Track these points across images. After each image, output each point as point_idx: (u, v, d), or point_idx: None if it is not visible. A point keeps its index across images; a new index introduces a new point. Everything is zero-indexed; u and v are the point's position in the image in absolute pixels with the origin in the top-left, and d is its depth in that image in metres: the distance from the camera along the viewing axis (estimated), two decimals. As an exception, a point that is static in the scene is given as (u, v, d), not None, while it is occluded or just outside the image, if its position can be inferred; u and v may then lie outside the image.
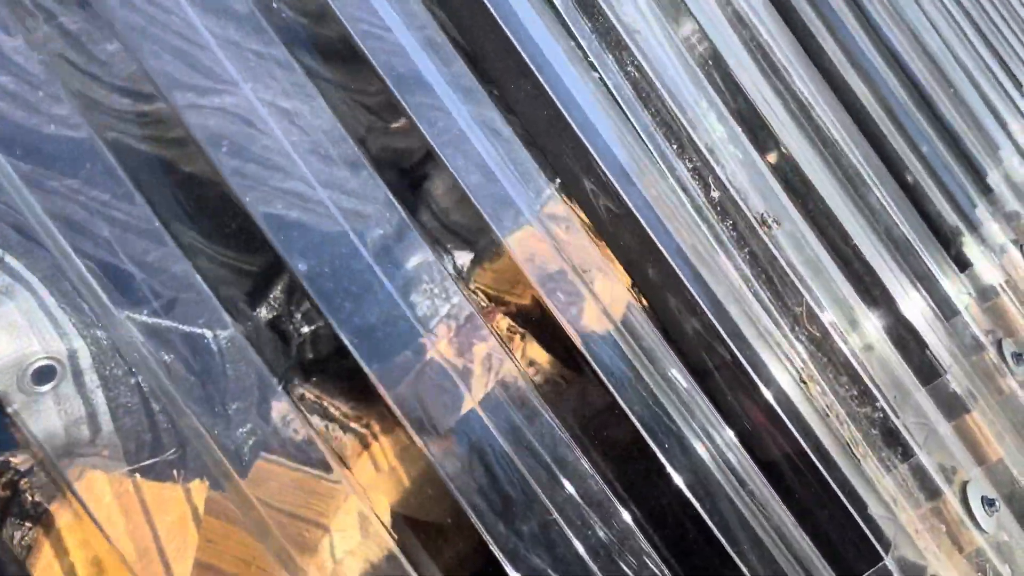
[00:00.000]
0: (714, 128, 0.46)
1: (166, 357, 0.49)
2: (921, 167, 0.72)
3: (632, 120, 0.45)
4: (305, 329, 0.59)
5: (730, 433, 0.45)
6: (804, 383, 0.45)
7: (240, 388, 0.50)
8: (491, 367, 0.58)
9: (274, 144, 0.45)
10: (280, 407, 0.51)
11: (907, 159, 0.66)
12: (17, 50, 0.41)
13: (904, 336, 0.52)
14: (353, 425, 0.59)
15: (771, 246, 0.46)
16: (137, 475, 0.46)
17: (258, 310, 0.59)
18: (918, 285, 0.55)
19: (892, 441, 0.46)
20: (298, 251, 0.51)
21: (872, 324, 0.51)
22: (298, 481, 0.52)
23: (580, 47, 0.45)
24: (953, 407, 0.52)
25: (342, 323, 0.52)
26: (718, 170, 0.45)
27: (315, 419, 0.57)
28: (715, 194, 0.45)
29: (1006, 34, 1.13)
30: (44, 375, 0.44)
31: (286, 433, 0.50)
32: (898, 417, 0.46)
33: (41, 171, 0.41)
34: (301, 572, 0.39)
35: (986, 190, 0.76)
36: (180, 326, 0.49)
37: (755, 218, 0.45)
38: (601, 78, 0.45)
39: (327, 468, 0.51)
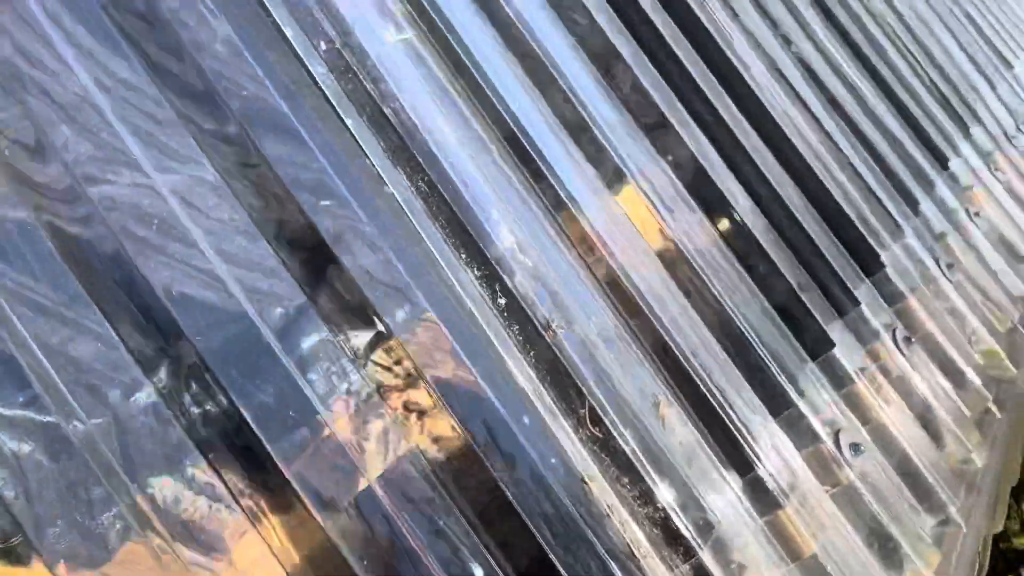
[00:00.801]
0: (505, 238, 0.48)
1: (24, 447, 0.53)
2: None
3: (421, 231, 0.48)
4: (196, 409, 0.62)
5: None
6: (584, 483, 0.47)
7: (105, 473, 0.54)
8: (388, 444, 0.60)
9: (174, 220, 0.49)
10: (161, 487, 0.54)
11: (736, 319, 0.67)
12: None
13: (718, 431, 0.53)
14: (245, 502, 0.61)
15: (555, 349, 0.48)
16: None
17: (138, 394, 0.62)
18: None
19: (674, 542, 0.47)
20: (196, 328, 0.55)
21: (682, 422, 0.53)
22: (168, 563, 0.55)
23: (372, 164, 0.48)
24: (764, 503, 0.53)
25: (239, 400, 0.55)
26: (506, 279, 0.48)
27: (201, 499, 0.59)
28: (502, 301, 0.48)
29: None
30: None
31: (164, 515, 0.53)
32: (680, 517, 0.47)
33: None
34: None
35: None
36: (36, 416, 0.53)
37: (540, 323, 0.48)
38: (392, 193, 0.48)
39: (207, 549, 0.54)
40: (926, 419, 0.72)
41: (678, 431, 0.53)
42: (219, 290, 0.51)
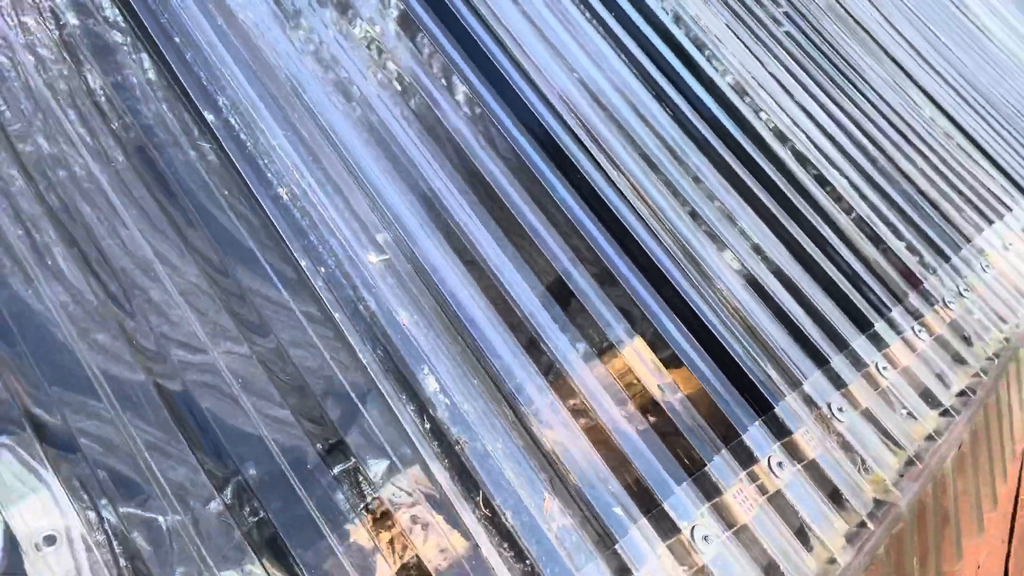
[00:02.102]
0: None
1: (135, 534, 0.80)
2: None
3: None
4: (252, 518, 0.88)
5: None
6: (477, 547, 0.70)
7: (184, 559, 0.79)
8: (395, 551, 0.84)
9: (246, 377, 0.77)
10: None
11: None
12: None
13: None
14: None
15: (464, 459, 0.73)
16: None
17: (212, 503, 0.89)
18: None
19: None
20: (250, 459, 0.82)
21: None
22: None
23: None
24: None
25: (279, 516, 0.81)
26: (430, 411, 0.74)
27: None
28: (427, 425, 0.74)
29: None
30: (48, 540, 0.75)
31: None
32: None
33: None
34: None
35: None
36: (143, 512, 0.81)
37: (453, 440, 0.73)
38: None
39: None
40: (795, 527, 0.92)
41: (557, 519, 0.76)
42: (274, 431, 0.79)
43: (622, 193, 1.14)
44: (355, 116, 0.98)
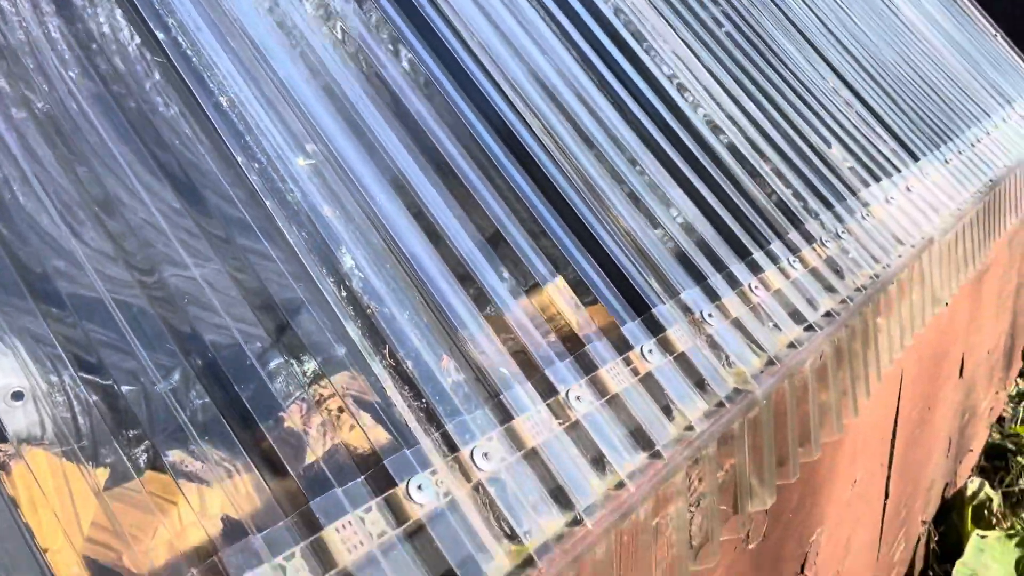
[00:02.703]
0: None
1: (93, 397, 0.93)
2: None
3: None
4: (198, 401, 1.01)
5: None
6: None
7: (135, 425, 0.93)
8: (324, 435, 0.97)
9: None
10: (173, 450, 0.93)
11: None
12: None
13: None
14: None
15: (374, 319, 0.88)
16: (62, 457, 0.88)
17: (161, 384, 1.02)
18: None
19: (432, 422, 0.85)
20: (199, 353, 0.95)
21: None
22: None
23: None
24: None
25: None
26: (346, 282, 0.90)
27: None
28: (344, 293, 0.89)
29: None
30: (16, 395, 0.88)
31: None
32: (445, 420, 0.86)
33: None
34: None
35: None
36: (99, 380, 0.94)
37: (364, 306, 0.89)
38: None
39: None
40: (662, 404, 1.10)
41: (452, 375, 0.92)
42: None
43: (537, 138, 1.30)
44: (295, 51, 1.12)
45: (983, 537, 2.52)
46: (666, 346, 1.17)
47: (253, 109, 0.95)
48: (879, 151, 2.19)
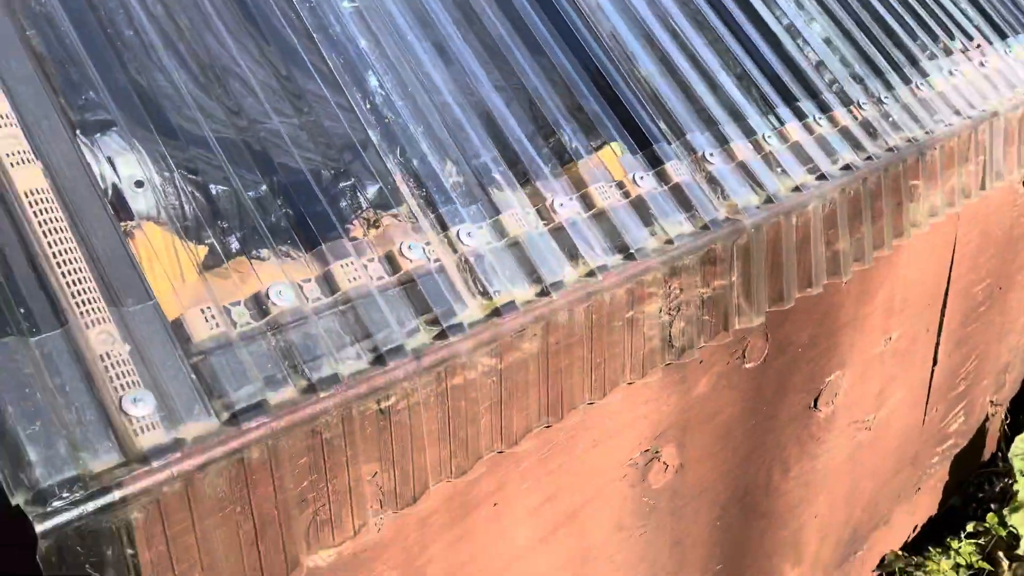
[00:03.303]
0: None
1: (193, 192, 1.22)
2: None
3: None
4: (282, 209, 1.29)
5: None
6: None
7: (230, 217, 1.21)
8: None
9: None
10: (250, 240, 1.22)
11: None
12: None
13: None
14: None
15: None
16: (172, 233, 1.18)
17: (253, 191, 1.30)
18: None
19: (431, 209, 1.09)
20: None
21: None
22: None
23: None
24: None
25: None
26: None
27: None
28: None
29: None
30: (139, 183, 1.18)
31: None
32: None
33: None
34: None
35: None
36: (198, 179, 1.23)
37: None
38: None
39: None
40: (647, 221, 1.28)
41: (453, 176, 1.15)
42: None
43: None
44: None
45: (1051, 419, 2.55)
46: (662, 176, 1.35)
47: (307, -39, 1.19)
48: (957, 24, 2.18)
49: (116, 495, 0.75)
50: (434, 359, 0.99)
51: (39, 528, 0.71)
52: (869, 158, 1.64)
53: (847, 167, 1.60)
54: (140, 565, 0.79)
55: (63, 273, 0.83)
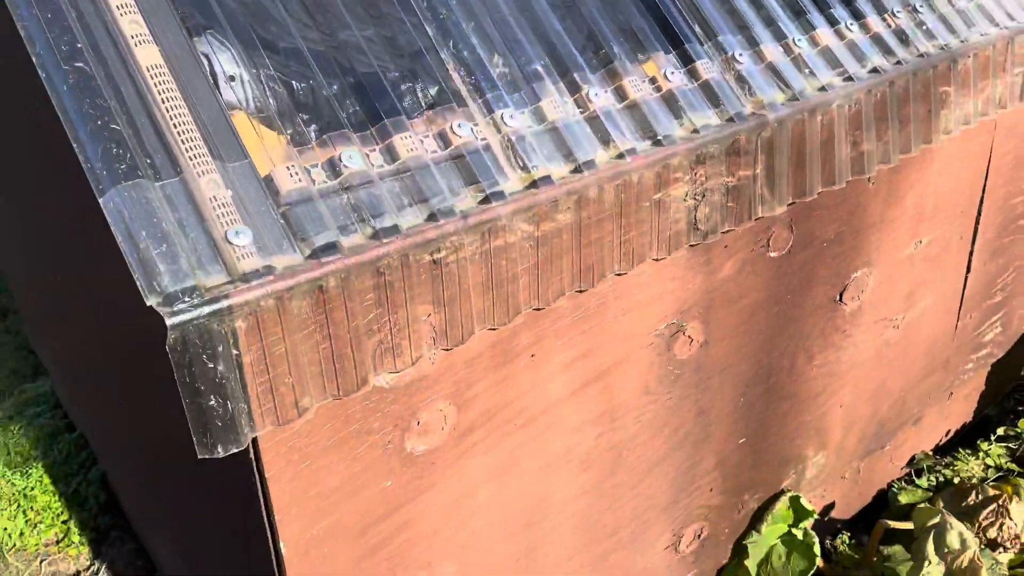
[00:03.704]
0: None
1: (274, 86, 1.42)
2: None
3: None
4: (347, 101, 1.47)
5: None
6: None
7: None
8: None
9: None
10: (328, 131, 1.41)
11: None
12: None
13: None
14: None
15: (446, 27, 1.29)
16: (259, 121, 1.38)
17: None
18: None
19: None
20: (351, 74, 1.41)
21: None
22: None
23: None
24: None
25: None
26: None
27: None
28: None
29: None
30: (231, 77, 1.38)
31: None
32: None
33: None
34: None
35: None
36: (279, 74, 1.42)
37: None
38: None
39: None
40: (676, 114, 1.42)
41: (499, 67, 1.31)
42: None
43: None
44: None
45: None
46: (692, 74, 1.48)
47: None
48: (1011, -62, 2.20)
49: (224, 304, 0.96)
50: (479, 220, 1.17)
51: (169, 322, 0.92)
52: (899, 63, 1.74)
53: (875, 70, 1.69)
54: (243, 364, 1.00)
55: (178, 132, 1.03)
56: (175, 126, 1.03)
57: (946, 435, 2.64)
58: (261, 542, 1.19)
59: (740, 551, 1.96)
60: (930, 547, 1.97)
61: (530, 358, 1.37)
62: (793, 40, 1.63)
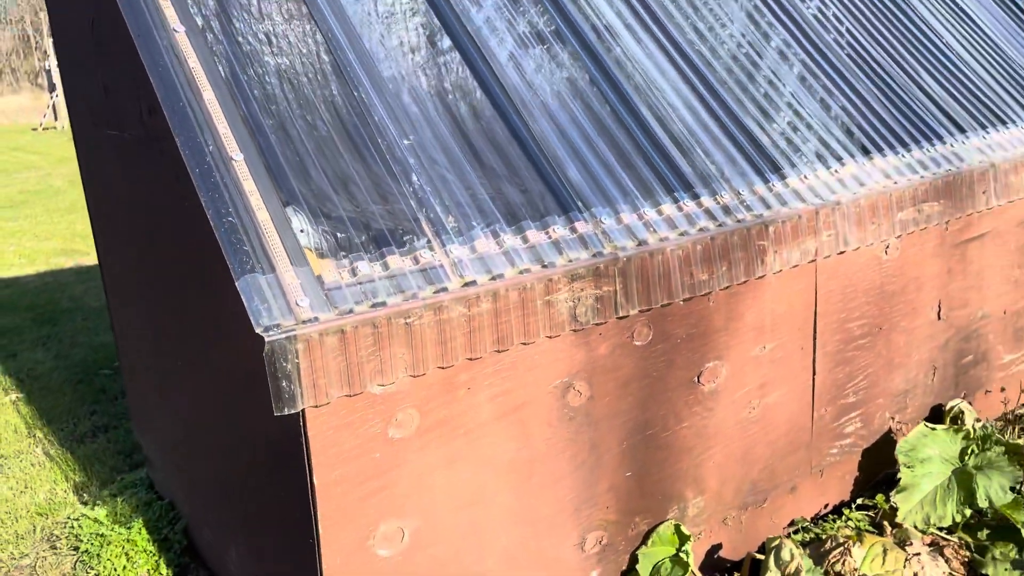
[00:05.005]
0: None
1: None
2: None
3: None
4: None
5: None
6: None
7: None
8: None
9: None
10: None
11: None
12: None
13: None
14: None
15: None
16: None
17: None
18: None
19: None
20: None
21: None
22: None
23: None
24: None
25: None
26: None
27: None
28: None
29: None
30: None
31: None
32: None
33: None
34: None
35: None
36: None
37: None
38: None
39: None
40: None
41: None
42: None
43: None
44: None
45: (932, 429, 3.38)
46: (572, 230, 2.46)
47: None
48: (828, 147, 3.22)
49: (292, 334, 1.91)
50: (433, 302, 2.12)
51: (267, 340, 1.87)
52: (720, 225, 2.71)
53: (702, 229, 2.66)
54: (299, 367, 1.93)
55: (275, 252, 2.03)
56: (273, 247, 2.03)
57: (824, 507, 3.37)
58: (305, 486, 2.06)
59: (634, 560, 2.73)
60: (771, 560, 2.71)
61: (467, 390, 2.27)
62: (643, 210, 2.62)
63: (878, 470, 3.51)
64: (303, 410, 1.99)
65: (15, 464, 4.50)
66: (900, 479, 3.27)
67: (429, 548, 2.27)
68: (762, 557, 2.85)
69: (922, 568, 2.89)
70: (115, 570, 3.30)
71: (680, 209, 2.70)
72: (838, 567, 2.91)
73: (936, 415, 3.68)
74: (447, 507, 2.30)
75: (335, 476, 2.08)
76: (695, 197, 2.76)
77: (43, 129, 24.35)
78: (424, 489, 2.24)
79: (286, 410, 1.92)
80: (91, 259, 9.26)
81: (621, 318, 2.52)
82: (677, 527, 2.76)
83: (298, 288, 2.00)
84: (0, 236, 10.81)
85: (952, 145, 3.53)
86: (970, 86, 3.86)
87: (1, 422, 5.05)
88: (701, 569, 2.94)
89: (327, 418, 2.04)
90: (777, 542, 2.75)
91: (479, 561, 2.40)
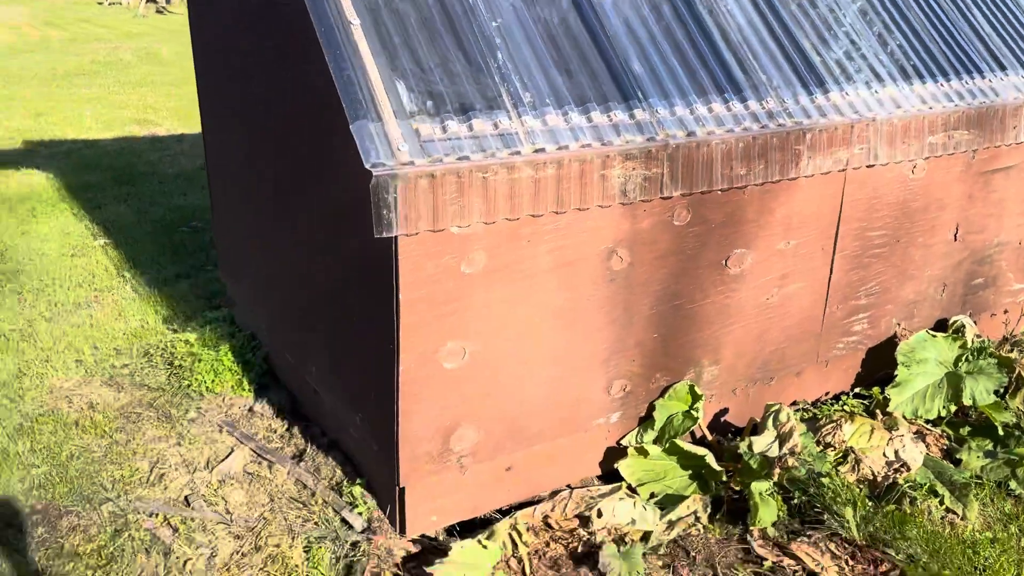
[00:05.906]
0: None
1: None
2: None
3: None
4: None
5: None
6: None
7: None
8: None
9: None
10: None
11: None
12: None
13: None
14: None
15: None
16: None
17: None
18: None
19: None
20: None
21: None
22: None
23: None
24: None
25: None
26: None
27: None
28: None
29: None
30: None
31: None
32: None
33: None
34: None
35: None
36: None
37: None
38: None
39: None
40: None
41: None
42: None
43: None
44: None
45: (933, 336, 3.74)
46: (631, 116, 2.82)
47: None
48: (871, 68, 3.50)
49: (393, 172, 2.32)
50: (507, 162, 2.52)
51: (374, 174, 2.28)
52: (763, 127, 3.04)
53: (746, 129, 3.00)
54: (397, 199, 2.35)
55: (382, 106, 2.43)
56: (380, 102, 2.43)
57: (825, 395, 3.79)
58: (391, 301, 2.51)
59: (652, 409, 3.18)
60: (769, 421, 3.15)
61: (528, 242, 2.69)
62: (695, 106, 2.96)
63: (879, 369, 3.90)
64: (396, 237, 2.41)
65: (107, 297, 5.05)
66: (896, 375, 3.66)
67: (483, 368, 2.73)
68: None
69: (903, 447, 3.30)
70: (205, 383, 3.84)
71: (729, 109, 3.03)
72: (829, 438, 3.34)
73: (940, 327, 4.03)
74: (502, 337, 2.74)
75: (416, 295, 2.52)
76: (743, 100, 3.08)
77: (108, 4, 24.70)
78: (485, 319, 2.68)
79: (384, 234, 2.35)
80: (163, 130, 9.76)
81: (665, 198, 2.90)
82: (692, 387, 3.19)
83: (399, 137, 2.40)
84: (77, 101, 11.34)
85: (991, 80, 3.78)
86: (1018, 27, 4.07)
87: (92, 261, 5.61)
88: (708, 428, 3.39)
89: (415, 247, 2.47)
90: (776, 407, 3.18)
91: (522, 389, 2.86)
